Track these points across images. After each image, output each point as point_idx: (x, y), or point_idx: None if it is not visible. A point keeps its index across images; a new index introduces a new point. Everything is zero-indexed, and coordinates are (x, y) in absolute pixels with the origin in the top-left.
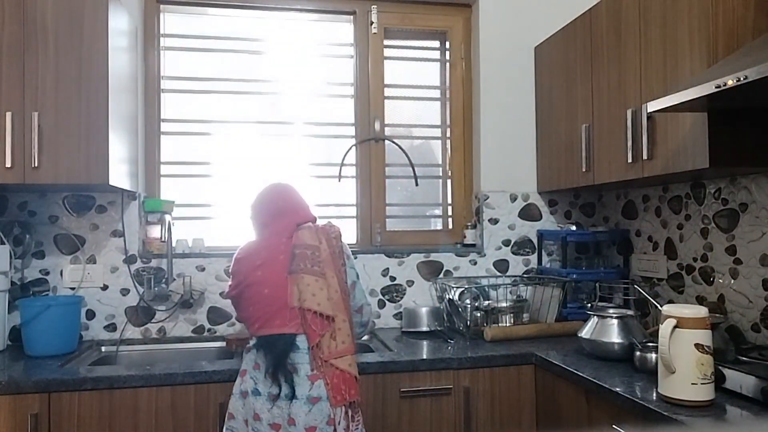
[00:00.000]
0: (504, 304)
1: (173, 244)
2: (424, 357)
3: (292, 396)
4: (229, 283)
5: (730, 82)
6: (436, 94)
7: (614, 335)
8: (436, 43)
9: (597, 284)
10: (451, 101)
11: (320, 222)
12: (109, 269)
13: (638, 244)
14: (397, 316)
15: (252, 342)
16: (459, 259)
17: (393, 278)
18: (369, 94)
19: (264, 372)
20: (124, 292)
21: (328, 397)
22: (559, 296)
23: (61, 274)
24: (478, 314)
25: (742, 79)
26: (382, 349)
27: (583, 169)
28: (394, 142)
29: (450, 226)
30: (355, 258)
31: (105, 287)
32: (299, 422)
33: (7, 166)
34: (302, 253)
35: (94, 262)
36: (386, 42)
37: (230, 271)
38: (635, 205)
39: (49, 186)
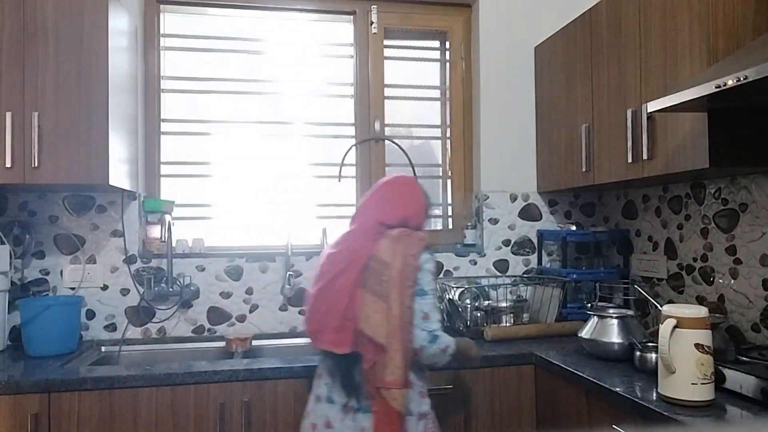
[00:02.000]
0: (504, 304)
1: (173, 244)
2: None
3: (365, 409)
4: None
5: (730, 82)
6: (436, 94)
7: (614, 335)
8: (436, 43)
9: (597, 284)
10: (451, 101)
11: (409, 232)
12: (109, 269)
13: (638, 244)
14: None
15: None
16: (459, 259)
17: None
18: (369, 94)
19: (340, 381)
20: (124, 292)
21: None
22: (559, 296)
23: (61, 274)
24: (478, 314)
25: (742, 79)
26: None
27: (583, 169)
28: (394, 142)
29: (450, 226)
30: None
31: (105, 287)
32: None
33: (7, 166)
34: (374, 267)
35: (94, 262)
36: (386, 42)
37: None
38: (635, 205)
39: (49, 186)
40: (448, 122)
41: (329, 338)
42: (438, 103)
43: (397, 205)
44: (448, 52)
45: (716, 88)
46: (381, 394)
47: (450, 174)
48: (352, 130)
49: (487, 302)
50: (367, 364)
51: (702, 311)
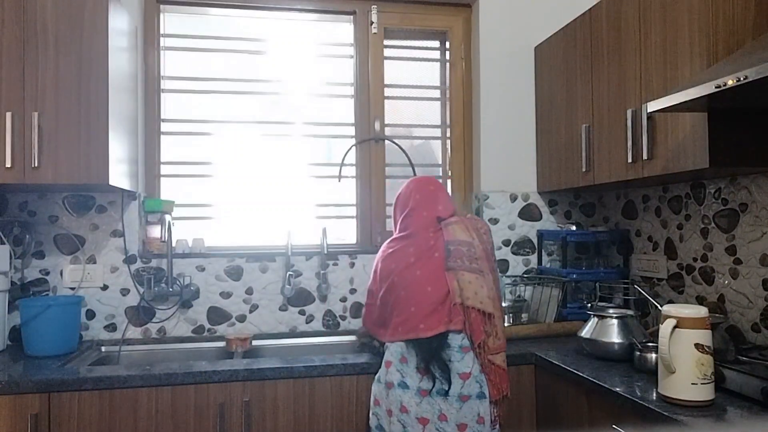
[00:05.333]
0: (504, 304)
1: (173, 244)
2: None
3: (446, 393)
4: (369, 287)
5: (730, 82)
6: (436, 94)
7: (614, 335)
8: (436, 43)
9: (597, 284)
10: (451, 101)
11: (464, 216)
12: (109, 269)
13: (638, 244)
14: None
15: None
16: None
17: None
18: (369, 94)
19: (414, 366)
20: (124, 292)
21: (489, 393)
22: (558, 296)
23: (61, 274)
24: None
25: (742, 79)
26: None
27: (583, 169)
28: (394, 142)
29: None
30: (355, 258)
31: (105, 287)
32: (451, 419)
33: (7, 166)
34: (457, 249)
35: (94, 262)
36: (386, 42)
37: (375, 270)
38: (635, 205)
39: (49, 186)
40: (448, 122)
41: (421, 326)
42: (438, 103)
43: (448, 201)
44: (448, 52)
45: (716, 88)
46: (491, 360)
47: (450, 174)
48: (352, 130)
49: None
50: (478, 339)
51: (702, 311)
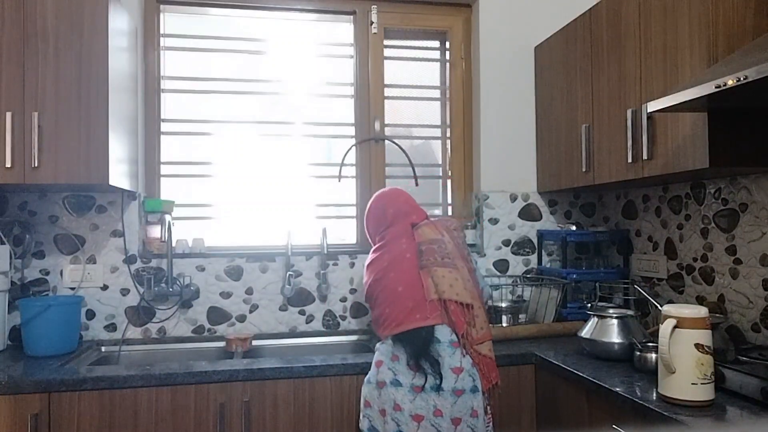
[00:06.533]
0: (503, 304)
1: (173, 244)
2: None
3: (439, 387)
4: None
5: (730, 82)
6: (436, 94)
7: (614, 335)
8: (436, 43)
9: (597, 284)
10: (451, 101)
11: (436, 216)
12: (109, 269)
13: (638, 244)
14: None
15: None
16: None
17: None
18: (369, 94)
19: (405, 363)
20: (124, 292)
21: (480, 384)
22: (558, 296)
23: (61, 274)
24: None
25: (742, 79)
26: None
27: (583, 169)
28: (394, 142)
29: None
30: (355, 258)
31: (105, 287)
32: (446, 414)
33: (7, 166)
34: (428, 248)
35: (94, 262)
36: (386, 42)
37: (364, 281)
38: (635, 205)
39: (49, 186)
40: (448, 122)
41: (393, 324)
42: (438, 103)
43: (418, 208)
44: (448, 52)
45: (716, 88)
46: (476, 349)
47: (450, 174)
48: (352, 130)
49: (487, 302)
50: (461, 329)
51: (702, 311)
